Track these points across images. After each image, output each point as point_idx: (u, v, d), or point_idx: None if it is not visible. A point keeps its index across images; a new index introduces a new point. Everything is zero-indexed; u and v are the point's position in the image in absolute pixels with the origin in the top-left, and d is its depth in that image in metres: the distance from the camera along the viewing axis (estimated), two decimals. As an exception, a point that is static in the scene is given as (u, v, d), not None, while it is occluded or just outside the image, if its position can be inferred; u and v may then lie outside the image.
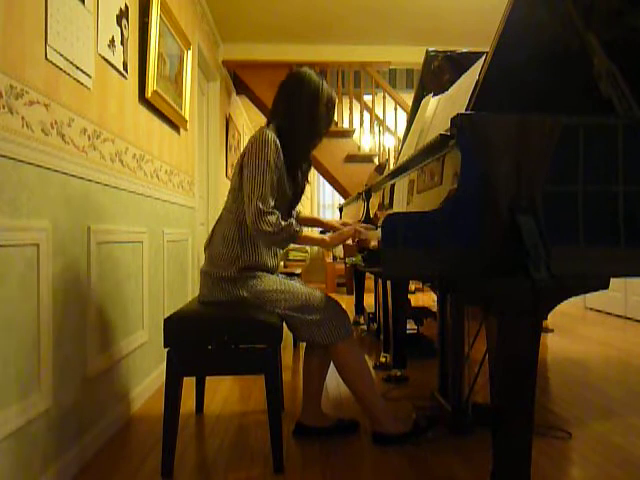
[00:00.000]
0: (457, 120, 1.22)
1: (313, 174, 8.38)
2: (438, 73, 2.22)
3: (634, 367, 2.94)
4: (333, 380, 2.40)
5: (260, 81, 4.88)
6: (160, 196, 2.61)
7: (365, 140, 5.50)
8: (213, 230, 1.87)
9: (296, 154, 1.83)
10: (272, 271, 1.85)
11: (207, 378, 2.23)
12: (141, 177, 2.33)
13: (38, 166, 1.44)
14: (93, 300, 1.79)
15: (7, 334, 1.30)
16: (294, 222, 1.71)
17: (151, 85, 2.40)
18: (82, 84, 1.73)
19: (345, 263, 3.28)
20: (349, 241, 1.81)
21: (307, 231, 1.78)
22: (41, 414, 1.45)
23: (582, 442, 1.85)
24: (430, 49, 2.26)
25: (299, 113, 1.81)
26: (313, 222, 2.16)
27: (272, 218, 1.66)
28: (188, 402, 2.15)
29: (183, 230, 3.15)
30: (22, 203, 1.37)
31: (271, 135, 1.72)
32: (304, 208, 2.16)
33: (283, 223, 1.67)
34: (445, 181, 1.35)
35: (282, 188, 1.78)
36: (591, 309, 5.08)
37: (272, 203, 1.69)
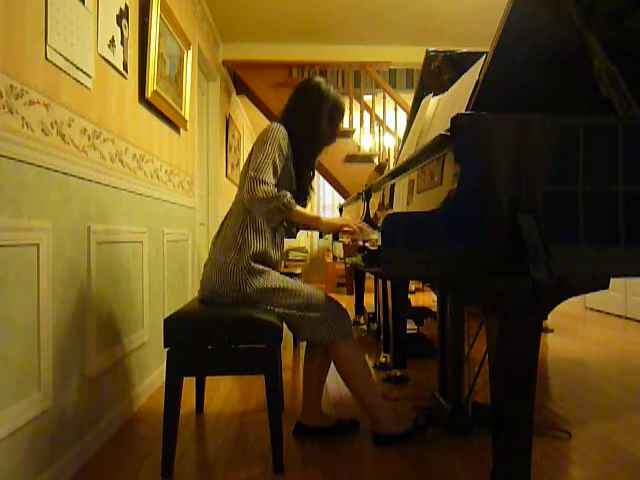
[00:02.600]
0: (457, 120, 1.22)
1: (313, 174, 8.37)
2: (438, 73, 2.22)
3: (634, 367, 2.94)
4: (333, 380, 2.40)
5: (260, 81, 4.89)
6: (160, 196, 2.61)
7: (365, 140, 5.50)
8: (223, 221, 1.93)
9: (300, 157, 1.89)
10: (275, 266, 1.86)
11: (207, 378, 2.23)
12: (141, 177, 2.33)
13: (38, 166, 1.44)
14: (93, 300, 1.79)
15: (7, 334, 1.30)
16: (289, 194, 1.73)
17: (151, 85, 2.40)
18: (82, 84, 1.73)
19: (345, 263, 3.27)
20: (346, 239, 1.82)
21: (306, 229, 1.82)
22: (41, 414, 1.45)
23: (582, 442, 1.85)
24: (430, 49, 2.26)
25: (302, 117, 1.90)
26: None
27: (267, 187, 1.70)
28: (188, 402, 2.15)
29: (183, 230, 3.15)
30: (22, 203, 1.37)
31: (280, 126, 1.82)
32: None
33: (277, 192, 1.71)
34: (445, 181, 1.35)
35: (286, 179, 1.83)
36: (591, 309, 5.08)
37: (273, 180, 1.72)
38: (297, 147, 1.87)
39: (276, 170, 1.75)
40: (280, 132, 1.80)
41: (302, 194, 1.97)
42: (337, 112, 1.96)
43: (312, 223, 1.87)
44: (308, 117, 1.90)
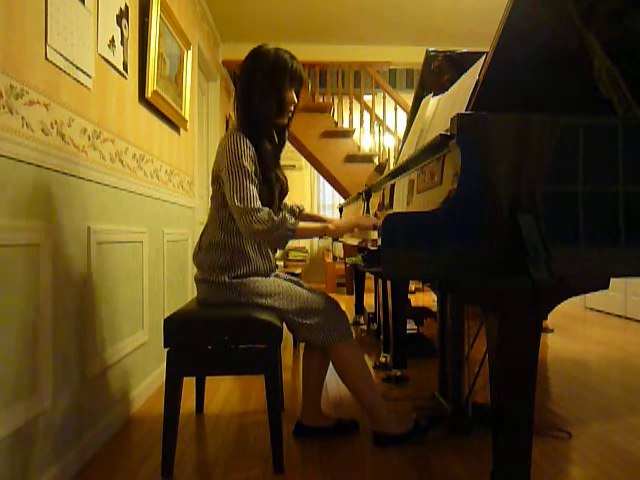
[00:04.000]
0: (457, 120, 1.22)
1: (313, 174, 8.39)
2: (438, 73, 2.22)
3: (634, 367, 2.94)
4: (333, 380, 2.40)
5: (260, 81, 4.88)
6: (160, 196, 2.61)
7: (365, 140, 5.51)
8: (200, 239, 1.83)
9: (264, 142, 1.71)
10: (267, 274, 1.81)
11: (207, 378, 2.23)
12: (141, 177, 2.33)
13: (38, 166, 1.44)
14: (93, 300, 1.79)
15: (7, 334, 1.30)
16: (287, 215, 1.63)
17: (151, 85, 2.40)
18: (82, 84, 1.73)
19: (345, 263, 3.26)
20: (351, 240, 1.80)
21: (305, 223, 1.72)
22: (41, 414, 1.45)
23: (582, 442, 1.85)
24: (430, 49, 2.26)
25: (245, 106, 1.72)
26: (314, 219, 2.14)
27: (262, 215, 1.58)
28: (188, 402, 2.15)
29: (183, 230, 3.15)
30: (22, 203, 1.37)
31: (239, 135, 1.66)
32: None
33: (276, 218, 1.59)
34: (445, 181, 1.35)
35: (263, 184, 1.70)
36: (591, 309, 5.08)
37: (258, 202, 1.62)
38: (259, 134, 1.70)
39: (256, 186, 1.64)
40: (241, 145, 1.64)
41: (280, 195, 1.80)
42: (280, 77, 1.69)
43: (321, 234, 1.77)
44: (249, 104, 1.69)
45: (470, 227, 1.21)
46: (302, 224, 1.68)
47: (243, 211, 1.59)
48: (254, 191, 1.63)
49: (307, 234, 1.77)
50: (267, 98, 1.70)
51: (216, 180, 1.74)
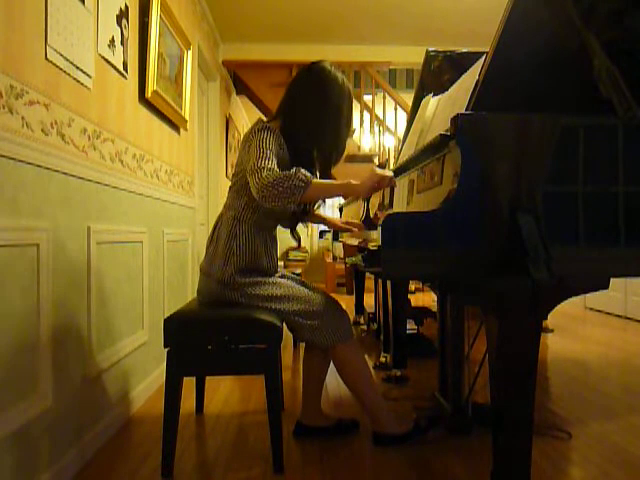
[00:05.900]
0: (457, 120, 1.22)
1: (313, 174, 8.37)
2: (438, 73, 2.22)
3: (634, 367, 2.94)
4: (333, 380, 2.40)
5: (260, 81, 4.89)
6: (160, 196, 2.61)
7: (365, 140, 5.50)
8: (214, 228, 1.85)
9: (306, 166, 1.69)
10: (269, 273, 1.81)
11: (207, 378, 2.23)
12: (141, 177, 2.33)
13: (38, 166, 1.44)
14: (93, 300, 1.79)
15: (7, 334, 1.30)
16: (302, 169, 1.55)
17: (151, 85, 2.40)
18: (82, 84, 1.73)
19: (345, 263, 3.27)
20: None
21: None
22: (41, 414, 1.45)
23: (582, 442, 1.85)
24: (430, 49, 2.26)
25: (319, 120, 1.73)
26: (315, 218, 2.12)
27: (275, 172, 1.53)
28: (188, 402, 2.15)
29: (183, 230, 3.15)
30: (22, 203, 1.37)
31: (271, 127, 1.68)
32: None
33: (288, 171, 1.53)
34: (445, 181, 1.35)
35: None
36: (591, 309, 5.08)
37: (276, 167, 1.56)
38: (302, 158, 1.70)
39: (278, 162, 1.59)
40: (271, 132, 1.64)
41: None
42: (351, 103, 1.79)
43: (341, 191, 1.65)
44: (332, 124, 1.73)
45: (470, 227, 1.21)
46: (318, 180, 1.63)
47: (257, 168, 1.54)
48: (273, 161, 1.58)
49: (325, 190, 1.63)
50: (348, 128, 1.78)
51: (238, 169, 1.74)
